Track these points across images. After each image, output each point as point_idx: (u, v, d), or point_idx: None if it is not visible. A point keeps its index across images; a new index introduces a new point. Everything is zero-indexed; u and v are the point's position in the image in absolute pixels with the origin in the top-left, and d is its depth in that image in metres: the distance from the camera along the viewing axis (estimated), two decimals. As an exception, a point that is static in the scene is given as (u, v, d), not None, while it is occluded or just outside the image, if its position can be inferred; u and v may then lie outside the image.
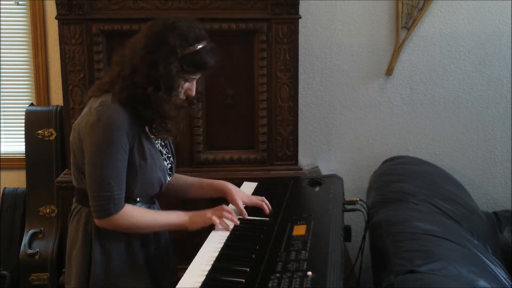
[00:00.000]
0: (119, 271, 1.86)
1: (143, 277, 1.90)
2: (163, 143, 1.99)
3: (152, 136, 1.88)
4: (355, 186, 3.20)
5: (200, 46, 1.79)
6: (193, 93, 1.87)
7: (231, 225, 1.88)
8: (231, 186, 2.06)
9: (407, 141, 3.23)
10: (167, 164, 1.98)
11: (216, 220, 1.87)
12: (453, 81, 3.18)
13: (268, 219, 1.95)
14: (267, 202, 2.03)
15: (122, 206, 1.79)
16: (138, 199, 1.87)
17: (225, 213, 1.90)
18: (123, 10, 2.61)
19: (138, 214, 1.84)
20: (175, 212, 1.91)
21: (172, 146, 2.06)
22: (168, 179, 1.98)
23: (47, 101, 3.14)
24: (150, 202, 1.95)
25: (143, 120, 1.81)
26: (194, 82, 1.87)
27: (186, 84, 1.84)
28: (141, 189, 1.86)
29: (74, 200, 1.95)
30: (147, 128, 1.86)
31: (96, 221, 1.80)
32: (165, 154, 1.98)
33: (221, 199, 2.05)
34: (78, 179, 1.86)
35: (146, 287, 1.90)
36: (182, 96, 1.86)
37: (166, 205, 2.08)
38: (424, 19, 3.10)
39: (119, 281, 1.86)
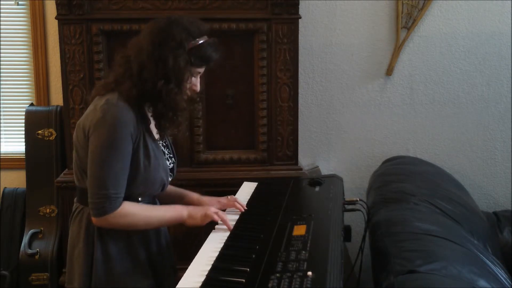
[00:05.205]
0: (121, 271, 1.86)
1: (145, 276, 1.90)
2: (164, 144, 1.99)
3: (157, 137, 1.90)
4: (355, 186, 3.20)
5: (204, 40, 1.83)
6: (198, 88, 1.91)
7: (233, 223, 1.89)
8: (202, 200, 2.07)
9: (407, 141, 3.23)
10: (169, 164, 1.99)
11: (215, 216, 1.88)
12: (453, 81, 3.18)
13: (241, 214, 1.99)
14: (237, 200, 2.07)
15: (119, 205, 1.78)
16: (140, 198, 1.87)
17: (223, 214, 1.91)
18: (123, 10, 2.61)
19: (135, 212, 1.82)
20: (174, 206, 1.92)
21: (173, 146, 2.06)
22: (169, 179, 1.98)
23: (47, 101, 3.14)
24: (152, 201, 1.95)
25: (153, 116, 1.83)
26: (199, 78, 1.89)
27: (192, 79, 1.87)
28: (144, 188, 1.86)
29: (75, 200, 1.95)
30: (155, 125, 1.87)
31: (93, 219, 1.80)
32: (167, 154, 1.99)
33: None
34: (80, 178, 1.86)
35: (148, 286, 1.90)
36: (188, 92, 1.88)
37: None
38: (424, 19, 3.10)
39: (121, 280, 1.86)
